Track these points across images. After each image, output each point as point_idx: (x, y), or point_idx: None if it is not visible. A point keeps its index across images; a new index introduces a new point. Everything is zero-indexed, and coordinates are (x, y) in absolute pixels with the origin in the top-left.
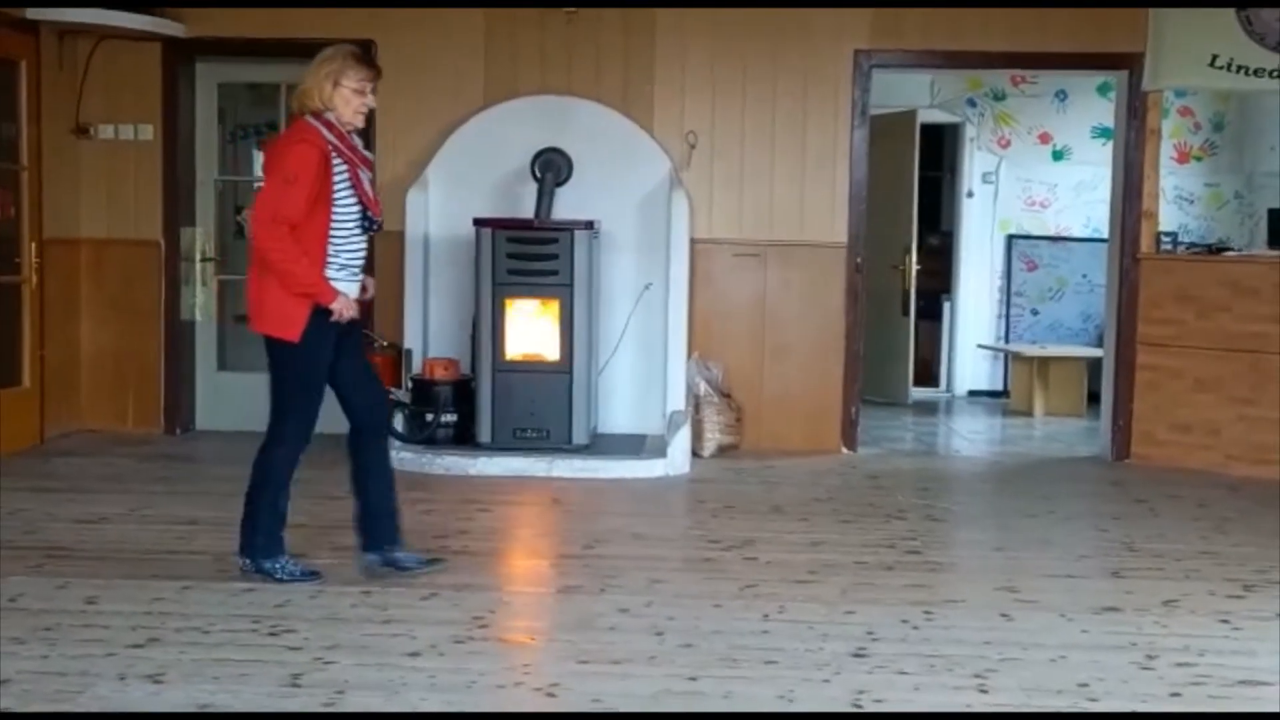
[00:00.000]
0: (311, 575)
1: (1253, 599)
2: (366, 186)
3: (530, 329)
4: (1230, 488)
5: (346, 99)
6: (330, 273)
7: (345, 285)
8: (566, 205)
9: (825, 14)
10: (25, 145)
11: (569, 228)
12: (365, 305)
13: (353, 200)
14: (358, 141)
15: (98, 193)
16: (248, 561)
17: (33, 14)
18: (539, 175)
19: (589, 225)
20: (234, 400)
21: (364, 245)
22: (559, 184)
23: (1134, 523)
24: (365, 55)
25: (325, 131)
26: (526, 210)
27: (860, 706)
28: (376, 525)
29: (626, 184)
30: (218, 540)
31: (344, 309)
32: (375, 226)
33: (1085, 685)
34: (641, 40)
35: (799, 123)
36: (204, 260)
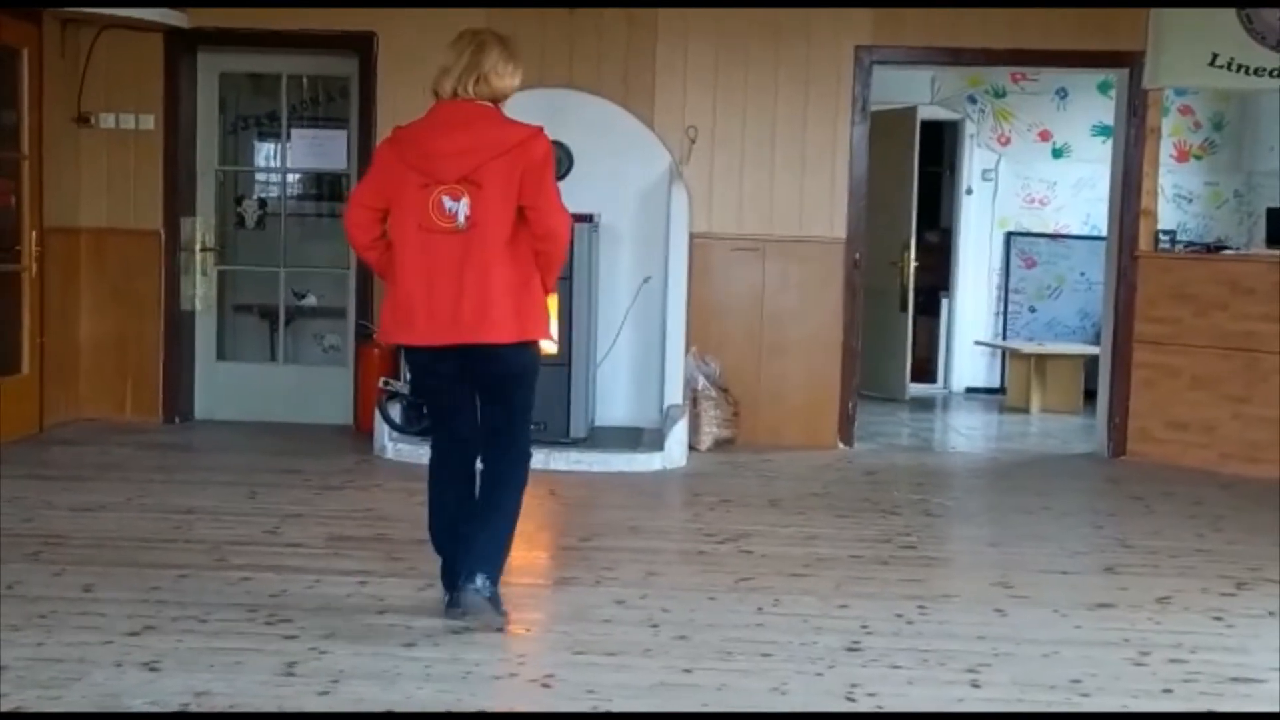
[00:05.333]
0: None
1: (1246, 596)
2: None
3: None
4: (1225, 485)
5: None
6: None
7: None
8: (566, 198)
9: (827, 10)
10: (26, 134)
11: None
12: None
13: None
14: None
15: (98, 182)
16: (487, 583)
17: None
18: None
19: (588, 219)
20: (232, 390)
21: None
22: (559, 177)
23: (1129, 519)
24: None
25: None
26: None
27: (854, 700)
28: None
29: (626, 178)
30: (215, 529)
31: None
32: None
33: (1078, 681)
34: (643, 34)
35: (799, 118)
36: (204, 250)
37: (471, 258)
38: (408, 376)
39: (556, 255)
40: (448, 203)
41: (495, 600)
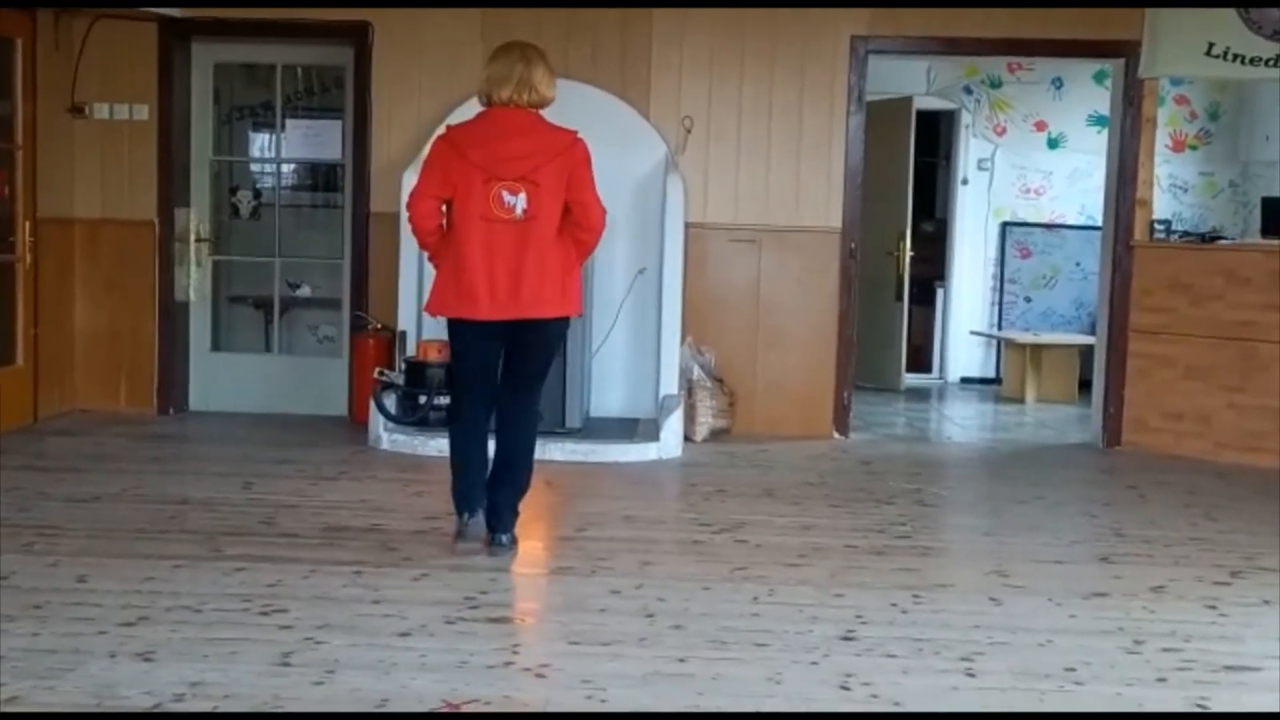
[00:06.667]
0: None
1: (1240, 585)
2: None
3: None
4: (1220, 475)
5: None
6: None
7: None
8: None
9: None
10: (20, 124)
11: None
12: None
13: None
14: None
15: (92, 172)
16: (507, 537)
17: None
18: None
19: None
20: (227, 381)
21: None
22: None
23: (1124, 509)
24: None
25: None
26: None
27: (848, 689)
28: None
29: (622, 168)
30: (210, 520)
31: None
32: None
33: (1072, 670)
34: (639, 24)
35: (795, 108)
36: (198, 241)
37: (530, 245)
38: (402, 367)
39: (592, 244)
40: (506, 196)
41: (514, 542)
